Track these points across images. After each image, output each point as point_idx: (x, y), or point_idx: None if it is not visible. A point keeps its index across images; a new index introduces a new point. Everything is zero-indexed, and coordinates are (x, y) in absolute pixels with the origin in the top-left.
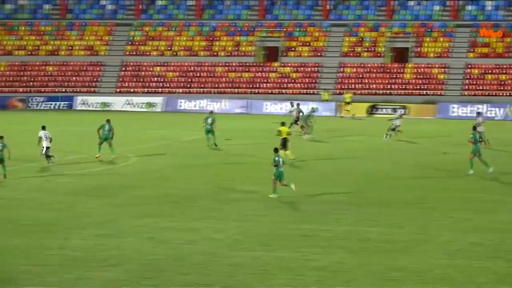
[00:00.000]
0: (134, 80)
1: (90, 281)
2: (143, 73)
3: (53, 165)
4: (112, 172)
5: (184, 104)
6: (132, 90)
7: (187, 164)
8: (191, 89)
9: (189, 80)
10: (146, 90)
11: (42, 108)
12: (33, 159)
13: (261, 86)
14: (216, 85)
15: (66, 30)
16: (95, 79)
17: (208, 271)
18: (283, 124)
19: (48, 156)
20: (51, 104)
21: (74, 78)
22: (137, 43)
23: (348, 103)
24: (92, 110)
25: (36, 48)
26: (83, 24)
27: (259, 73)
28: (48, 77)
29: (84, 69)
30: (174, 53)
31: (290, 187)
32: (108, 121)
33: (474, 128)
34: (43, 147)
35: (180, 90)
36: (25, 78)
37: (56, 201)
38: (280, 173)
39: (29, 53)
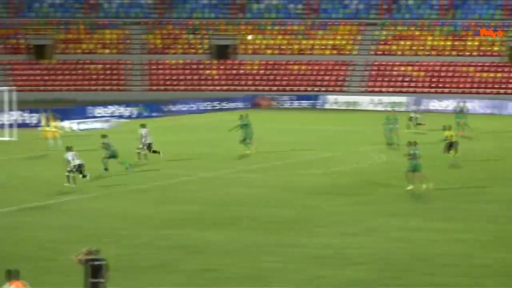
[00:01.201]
0: (381, 79)
1: (333, 279)
2: (390, 72)
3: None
4: (359, 171)
5: (432, 103)
6: (379, 89)
7: (432, 164)
8: (438, 89)
9: (437, 79)
10: (392, 89)
11: (289, 107)
12: (285, 158)
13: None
14: (464, 85)
15: (314, 30)
16: (342, 78)
17: (454, 272)
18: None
19: (81, 173)
20: (298, 102)
21: (321, 77)
22: (384, 42)
23: None
24: (339, 109)
25: (285, 47)
26: (331, 23)
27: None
28: (295, 76)
29: (332, 68)
30: (422, 53)
31: (425, 184)
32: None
33: None
34: (74, 166)
35: (427, 90)
36: (273, 77)
37: (300, 199)
38: (416, 165)
39: (278, 52)
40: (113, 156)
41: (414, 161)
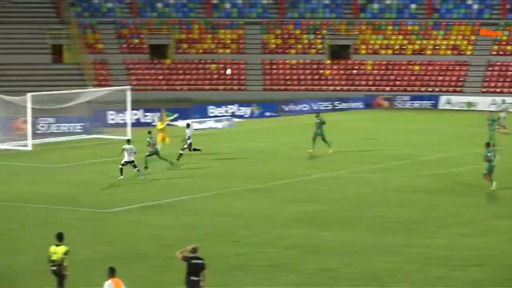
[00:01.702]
0: (501, 80)
1: (453, 281)
2: (505, 73)
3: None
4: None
5: None
6: (496, 89)
7: None
8: None
9: None
10: (507, 90)
11: (406, 107)
12: (402, 158)
13: None
14: None
15: (432, 30)
16: (460, 79)
17: None
18: None
19: (134, 167)
20: (415, 103)
21: (439, 77)
22: (504, 42)
23: None
24: (456, 110)
25: (402, 47)
26: (449, 23)
27: None
28: (413, 76)
29: (449, 68)
30: None
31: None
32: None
33: None
34: (125, 162)
35: None
36: (391, 77)
37: (418, 200)
38: (492, 167)
39: (395, 52)
40: (155, 153)
41: (490, 163)
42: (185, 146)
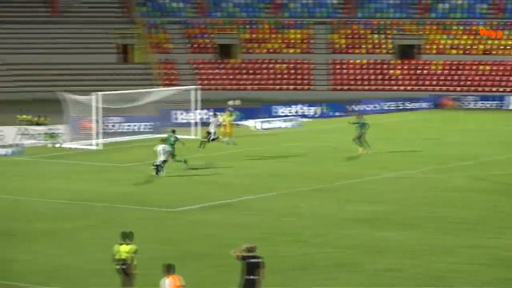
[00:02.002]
0: None
1: None
2: None
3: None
4: None
5: None
6: None
7: None
8: None
9: None
10: None
11: (474, 107)
12: (468, 158)
13: None
14: None
15: (500, 30)
16: None
17: None
18: None
19: (159, 168)
20: (484, 103)
21: (506, 77)
22: None
23: None
24: None
25: (471, 47)
26: None
27: None
28: (481, 77)
29: None
30: None
31: None
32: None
33: None
34: (159, 161)
35: None
36: (458, 77)
37: (484, 200)
38: None
39: (463, 52)
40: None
41: None
42: (212, 137)
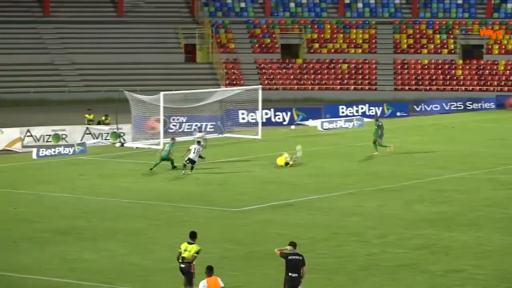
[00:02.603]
0: None
1: None
2: None
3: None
4: None
5: None
6: None
7: None
8: None
9: None
10: None
11: None
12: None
13: None
14: None
15: None
16: None
17: None
18: None
19: (185, 165)
20: None
21: None
22: None
23: None
24: None
25: None
26: None
27: None
28: None
29: None
30: None
31: None
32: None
33: None
34: (188, 158)
35: None
36: None
37: None
38: None
39: None
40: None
41: None
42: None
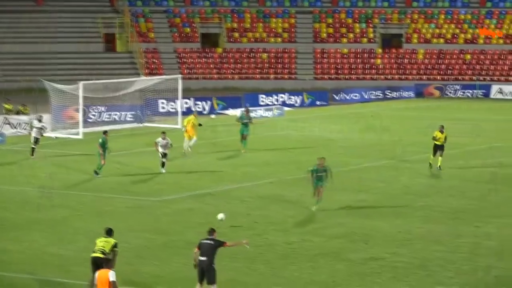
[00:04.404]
0: None
1: (504, 270)
2: None
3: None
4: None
5: None
6: None
7: None
8: None
9: None
10: None
11: (458, 96)
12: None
13: None
14: None
15: (485, 19)
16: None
17: None
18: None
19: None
20: (467, 92)
21: (491, 66)
22: None
23: None
24: (508, 99)
25: (454, 36)
26: (502, 12)
27: None
28: (465, 66)
29: (502, 57)
30: None
31: None
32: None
33: None
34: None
35: None
36: (442, 66)
37: (469, 189)
38: None
39: (447, 41)
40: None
41: None
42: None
